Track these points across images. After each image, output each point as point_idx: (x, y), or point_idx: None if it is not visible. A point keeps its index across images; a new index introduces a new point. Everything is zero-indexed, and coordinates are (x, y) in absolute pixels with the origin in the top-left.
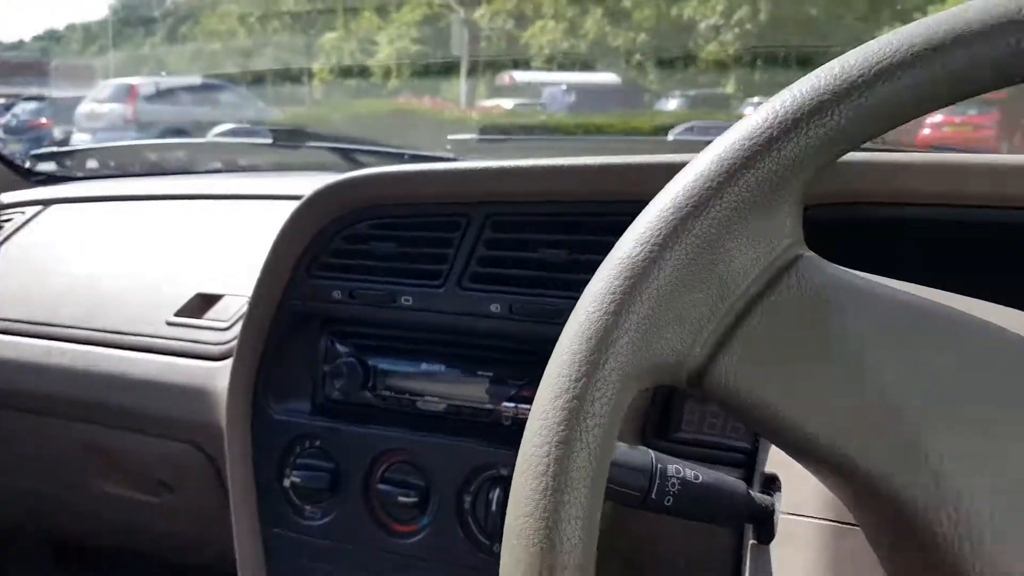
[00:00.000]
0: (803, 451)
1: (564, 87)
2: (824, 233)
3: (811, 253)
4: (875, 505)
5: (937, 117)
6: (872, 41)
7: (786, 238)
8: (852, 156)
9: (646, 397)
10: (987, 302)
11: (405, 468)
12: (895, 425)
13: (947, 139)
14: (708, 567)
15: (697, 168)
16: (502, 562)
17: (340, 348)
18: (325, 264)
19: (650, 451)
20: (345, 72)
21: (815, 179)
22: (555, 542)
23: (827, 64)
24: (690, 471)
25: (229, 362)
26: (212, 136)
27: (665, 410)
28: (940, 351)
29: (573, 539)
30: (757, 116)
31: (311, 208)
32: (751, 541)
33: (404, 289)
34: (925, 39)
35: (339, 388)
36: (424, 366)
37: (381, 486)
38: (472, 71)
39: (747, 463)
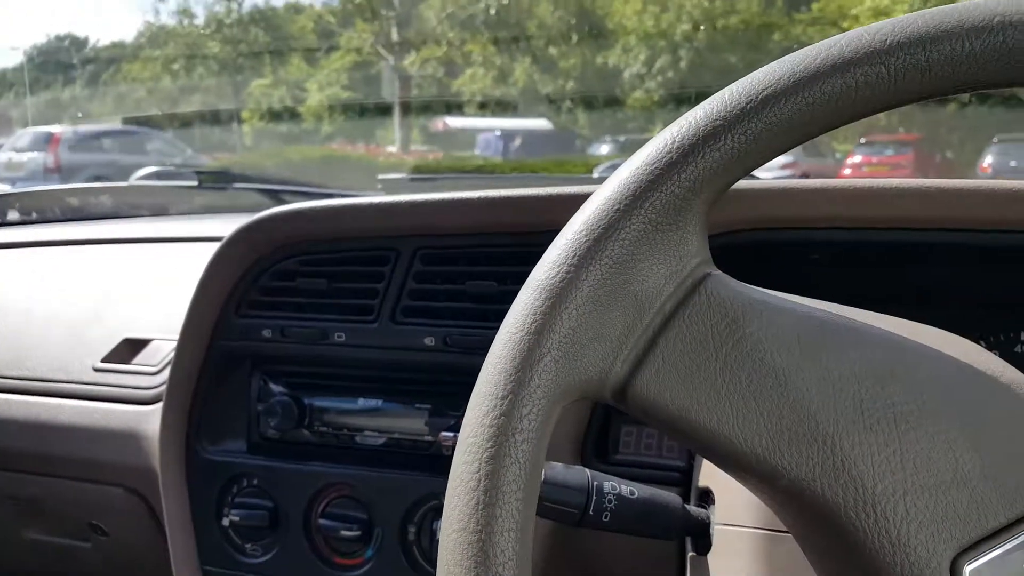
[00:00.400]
0: (727, 460)
1: (498, 133)
2: (731, 258)
3: (719, 271)
4: (801, 510)
5: (856, 158)
6: (759, 69)
7: (694, 257)
8: (752, 184)
9: (583, 421)
10: (885, 315)
11: (346, 502)
12: (811, 432)
13: (866, 178)
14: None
15: (605, 193)
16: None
17: (273, 387)
18: (254, 302)
19: (586, 470)
20: (275, 117)
21: (717, 200)
22: (489, 554)
23: (719, 92)
24: (626, 487)
25: (160, 406)
26: (136, 179)
27: (603, 433)
28: (846, 359)
29: (507, 551)
30: (656, 142)
31: (235, 245)
32: (690, 553)
33: (336, 325)
34: (804, 67)
35: (274, 426)
36: (361, 402)
37: (322, 521)
38: (405, 116)
39: (683, 480)
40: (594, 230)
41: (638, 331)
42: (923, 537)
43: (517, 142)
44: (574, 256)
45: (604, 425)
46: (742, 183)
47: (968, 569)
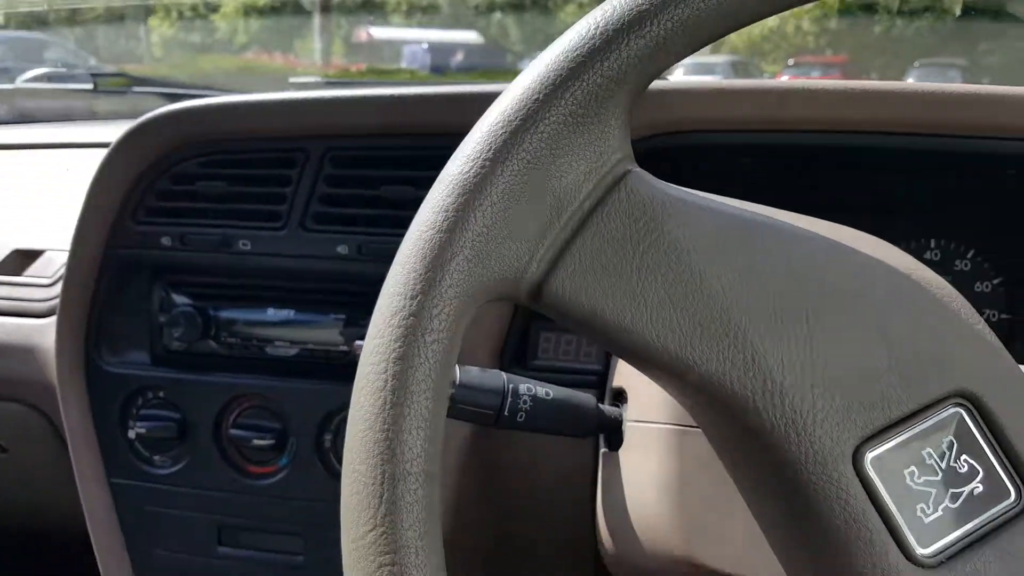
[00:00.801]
0: (641, 358)
1: (425, 45)
2: (655, 163)
3: (639, 169)
4: (711, 404)
5: (784, 79)
6: None
7: (615, 153)
8: (677, 84)
9: (502, 327)
10: (803, 216)
11: (259, 412)
12: (724, 327)
13: None
14: (569, 479)
15: (523, 83)
16: (343, 479)
17: (176, 297)
18: (152, 208)
19: (503, 373)
20: (187, 24)
21: (640, 93)
22: (396, 452)
23: None
24: (541, 389)
25: (55, 318)
26: (23, 82)
27: (522, 339)
28: (762, 257)
29: (415, 448)
30: (579, 28)
31: (125, 148)
32: (603, 450)
33: (241, 232)
34: None
35: (178, 338)
36: (271, 312)
37: (234, 431)
38: (325, 24)
39: (600, 383)
40: (511, 122)
41: (555, 230)
42: (828, 427)
43: (446, 55)
44: (489, 150)
45: (523, 331)
46: (668, 84)
47: (869, 457)
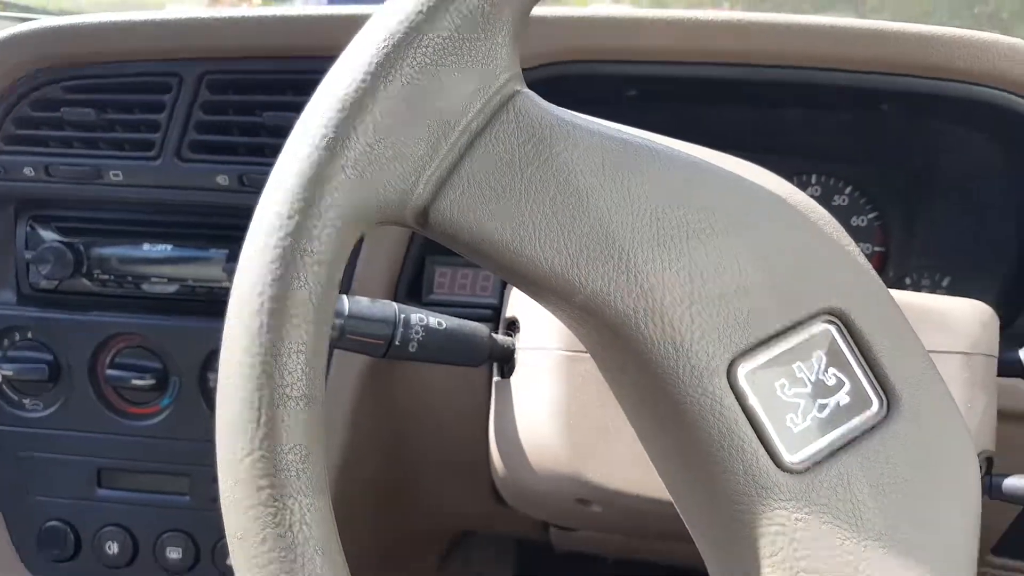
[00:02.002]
0: (528, 280)
1: None
2: (542, 92)
3: (528, 90)
4: (597, 326)
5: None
6: None
7: (504, 72)
8: (569, 12)
9: (396, 261)
10: (687, 142)
11: (137, 352)
12: (608, 248)
13: None
14: (464, 409)
15: None
16: (218, 407)
17: (43, 232)
18: (12, 136)
19: (394, 303)
20: None
21: (530, 8)
22: (275, 376)
23: None
24: (434, 319)
25: None
26: None
27: (417, 275)
28: (646, 179)
29: (296, 372)
30: None
31: None
32: (496, 378)
33: (111, 163)
34: None
35: (46, 276)
36: (147, 247)
37: (111, 372)
38: None
39: (495, 317)
40: (394, 35)
41: (442, 151)
42: (705, 343)
43: None
44: (371, 64)
45: (418, 266)
46: (558, 11)
47: (743, 371)
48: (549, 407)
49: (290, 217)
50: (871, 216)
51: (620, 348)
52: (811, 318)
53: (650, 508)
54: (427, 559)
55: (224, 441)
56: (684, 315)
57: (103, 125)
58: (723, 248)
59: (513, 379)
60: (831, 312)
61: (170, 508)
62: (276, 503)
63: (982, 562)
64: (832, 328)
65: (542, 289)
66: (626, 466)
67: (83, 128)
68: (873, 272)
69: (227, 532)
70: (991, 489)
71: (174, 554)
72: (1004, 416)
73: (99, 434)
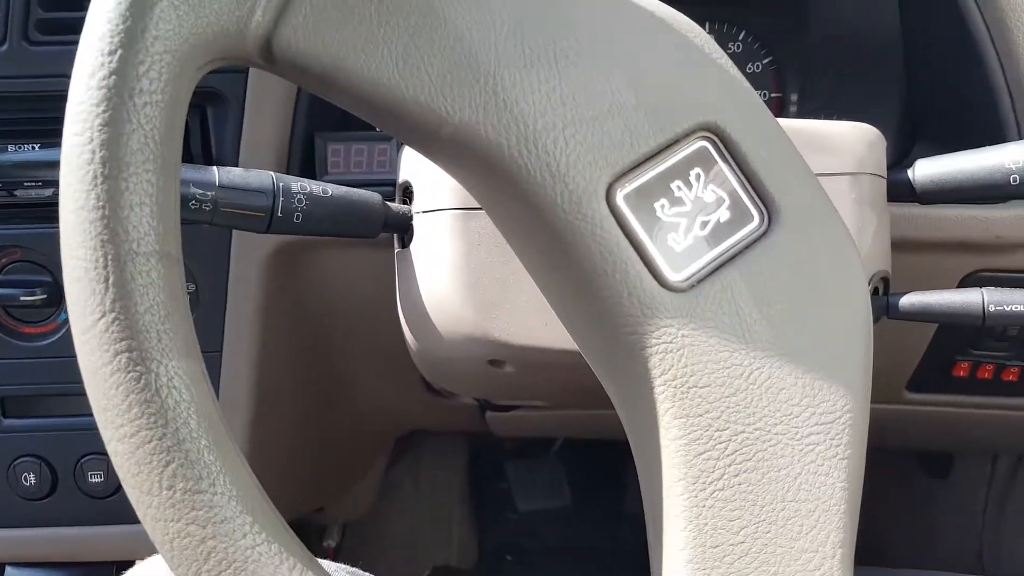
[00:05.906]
0: (393, 114)
1: None
2: None
3: None
4: (470, 161)
5: None
6: None
7: None
8: None
9: (283, 141)
10: None
11: (23, 266)
12: (474, 72)
13: None
14: (378, 293)
15: None
16: (64, 271)
17: None
18: None
19: (270, 172)
20: None
21: None
22: (118, 230)
23: None
24: (317, 186)
25: None
26: None
27: (308, 154)
28: None
29: (141, 226)
30: None
31: None
32: (396, 249)
33: None
34: None
35: None
36: (11, 149)
37: None
38: None
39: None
40: None
41: None
42: (581, 167)
43: None
44: None
45: (308, 146)
46: None
47: (621, 193)
48: (449, 268)
49: (111, 53)
50: (766, 62)
51: (497, 182)
52: (687, 135)
53: (560, 360)
54: (376, 462)
55: (75, 308)
56: (558, 139)
57: None
58: (592, 68)
59: (412, 246)
60: (706, 128)
61: (86, 431)
62: (139, 367)
63: (900, 400)
64: (708, 144)
65: (406, 124)
66: (531, 317)
67: None
68: (748, 85)
69: (92, 406)
70: (888, 308)
71: (96, 478)
72: (901, 245)
73: None
